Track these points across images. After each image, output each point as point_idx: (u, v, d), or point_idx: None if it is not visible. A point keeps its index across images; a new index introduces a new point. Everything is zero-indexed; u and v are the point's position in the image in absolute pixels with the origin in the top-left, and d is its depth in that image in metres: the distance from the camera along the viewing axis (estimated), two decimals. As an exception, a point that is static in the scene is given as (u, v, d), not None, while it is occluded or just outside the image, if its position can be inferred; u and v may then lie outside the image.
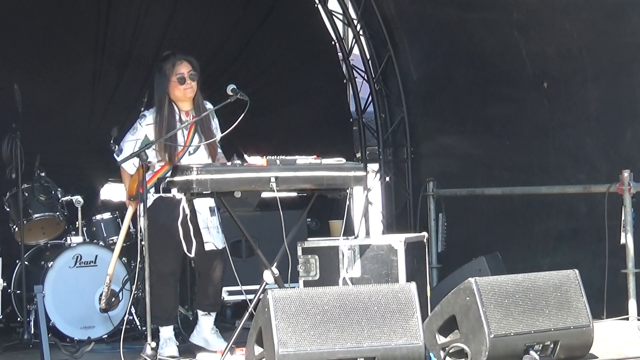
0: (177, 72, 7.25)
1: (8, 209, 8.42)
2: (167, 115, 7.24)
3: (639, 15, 8.15)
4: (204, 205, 7.27)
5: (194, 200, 7.05)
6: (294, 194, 7.40)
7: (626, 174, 8.05)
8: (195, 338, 7.49)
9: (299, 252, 7.14)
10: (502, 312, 6.35)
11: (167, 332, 7.33)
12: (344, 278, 7.02)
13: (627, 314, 7.98)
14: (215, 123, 7.43)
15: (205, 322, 7.48)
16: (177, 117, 7.28)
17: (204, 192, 6.75)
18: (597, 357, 6.71)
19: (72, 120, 9.95)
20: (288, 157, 6.95)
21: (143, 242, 6.91)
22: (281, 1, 10.71)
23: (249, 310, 6.95)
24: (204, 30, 10.39)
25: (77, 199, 8.60)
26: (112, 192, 9.83)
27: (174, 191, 6.85)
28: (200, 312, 7.52)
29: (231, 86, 7.19)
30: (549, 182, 9.06)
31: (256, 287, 7.11)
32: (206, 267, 7.37)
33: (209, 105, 7.40)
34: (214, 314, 7.53)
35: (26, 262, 8.31)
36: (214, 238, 7.29)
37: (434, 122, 10.56)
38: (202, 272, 7.43)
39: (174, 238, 7.06)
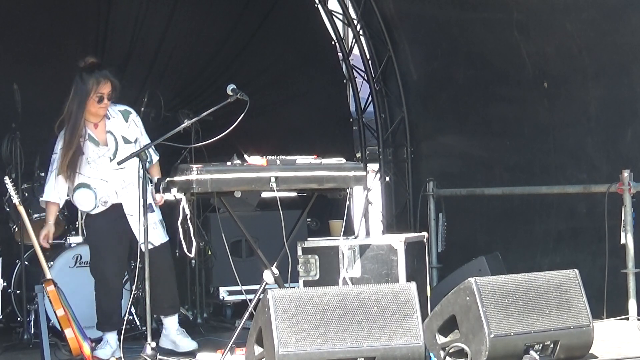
0: (99, 90, 7.26)
1: (8, 209, 8.41)
2: (79, 132, 7.24)
3: (639, 15, 8.15)
4: (133, 206, 7.20)
5: (122, 204, 7.20)
6: (294, 194, 7.40)
7: (626, 173, 8.05)
8: (164, 342, 7.47)
9: (299, 252, 7.14)
10: (502, 312, 6.35)
11: (111, 337, 7.36)
12: (344, 278, 7.02)
13: (627, 314, 7.98)
14: (133, 123, 7.43)
15: (169, 323, 7.48)
16: (83, 131, 7.27)
17: (204, 192, 6.75)
18: (597, 357, 6.71)
19: (72, 120, 9.94)
20: (288, 157, 6.95)
21: (143, 242, 6.91)
22: (281, 1, 10.71)
23: (249, 310, 6.95)
24: (204, 30, 10.39)
25: (77, 199, 8.58)
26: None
27: (174, 191, 6.84)
28: (162, 316, 7.52)
29: (231, 86, 7.19)
30: (549, 182, 9.06)
31: (256, 287, 7.11)
32: (151, 268, 7.28)
33: (119, 109, 7.43)
34: (176, 315, 7.52)
35: (26, 262, 8.31)
36: (150, 236, 7.12)
37: (434, 122, 10.56)
38: (152, 275, 7.29)
39: (113, 241, 7.15)
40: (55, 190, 7.33)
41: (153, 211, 7.34)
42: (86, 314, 8.03)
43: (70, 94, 7.31)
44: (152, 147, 7.31)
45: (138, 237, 7.17)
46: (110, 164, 7.25)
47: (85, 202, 7.31)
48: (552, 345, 6.46)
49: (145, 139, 7.44)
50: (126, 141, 7.35)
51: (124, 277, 7.65)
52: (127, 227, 7.28)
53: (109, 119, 7.36)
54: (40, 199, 7.48)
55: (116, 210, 7.29)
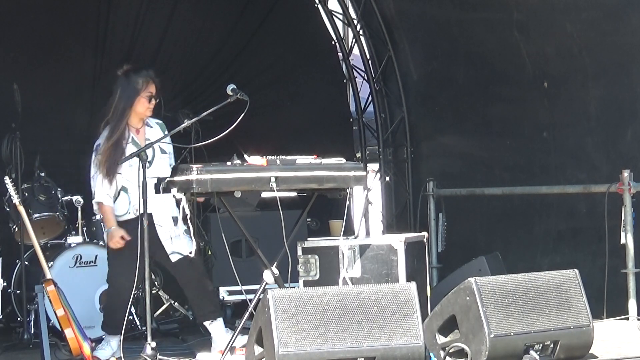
0: (148, 89, 7.28)
1: (8, 209, 8.41)
2: (122, 129, 7.22)
3: (639, 15, 8.15)
4: (165, 216, 7.24)
5: (153, 214, 7.10)
6: (294, 194, 7.40)
7: (626, 173, 8.04)
8: (218, 349, 7.31)
9: (299, 252, 7.14)
10: (502, 312, 6.35)
11: (113, 341, 7.35)
12: (344, 278, 7.02)
13: (627, 314, 7.98)
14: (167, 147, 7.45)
15: (216, 330, 7.37)
16: (127, 134, 7.26)
17: (204, 192, 6.75)
18: (597, 357, 6.71)
19: (72, 120, 9.96)
20: (288, 157, 6.94)
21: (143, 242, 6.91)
22: (281, 1, 10.71)
23: (249, 310, 6.94)
24: (204, 30, 10.40)
25: (77, 199, 8.60)
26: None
27: (174, 191, 6.84)
28: (206, 323, 7.43)
29: (231, 86, 7.19)
30: (549, 182, 9.06)
31: (256, 287, 7.10)
32: (184, 278, 7.34)
33: (157, 121, 7.45)
34: (220, 319, 7.43)
35: (26, 262, 8.31)
36: (177, 247, 7.24)
37: (434, 122, 10.56)
38: (184, 284, 7.38)
39: (131, 257, 7.01)
40: (102, 190, 7.23)
41: (176, 224, 7.29)
42: (86, 314, 8.04)
43: (114, 95, 7.29)
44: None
45: (166, 248, 7.20)
46: (147, 171, 7.19)
47: (120, 207, 7.26)
48: (552, 345, 6.46)
49: (172, 156, 7.46)
50: (162, 151, 7.35)
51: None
52: (153, 236, 7.15)
53: (149, 127, 7.37)
54: (93, 201, 7.32)
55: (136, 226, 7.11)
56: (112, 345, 7.34)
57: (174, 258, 7.25)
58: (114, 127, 7.22)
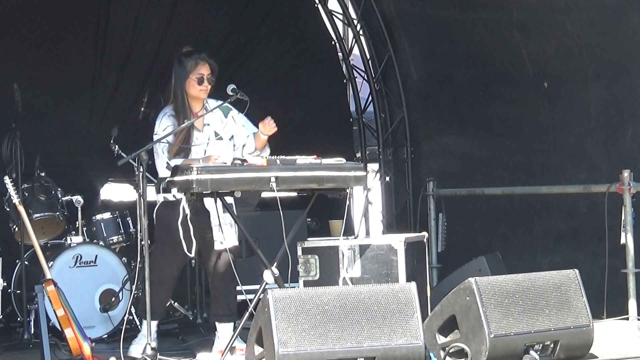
0: (198, 71, 7.26)
1: (8, 209, 8.41)
2: (184, 107, 7.23)
3: (639, 15, 8.15)
4: (213, 201, 7.15)
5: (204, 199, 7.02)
6: (294, 194, 7.40)
7: (626, 173, 8.05)
8: (219, 348, 7.27)
9: (299, 252, 7.14)
10: (502, 312, 6.34)
11: (152, 326, 7.14)
12: (344, 278, 7.02)
13: (627, 314, 7.98)
14: (231, 120, 7.36)
15: (223, 331, 7.33)
16: (189, 115, 7.25)
17: (204, 192, 6.75)
18: (597, 357, 6.71)
19: (72, 120, 9.96)
20: (288, 157, 6.94)
21: (143, 242, 6.90)
22: (281, 1, 10.71)
23: (249, 310, 6.94)
24: (204, 30, 10.39)
25: (77, 199, 8.60)
26: (112, 192, 9.84)
27: (174, 191, 6.84)
28: (217, 323, 7.38)
29: (231, 86, 7.19)
30: (549, 182, 9.06)
31: (256, 287, 7.10)
32: (213, 270, 7.28)
33: (222, 104, 7.33)
34: (230, 324, 7.34)
35: (26, 262, 8.30)
36: (224, 236, 7.20)
37: (434, 122, 10.57)
38: (211, 276, 7.31)
39: (176, 241, 7.00)
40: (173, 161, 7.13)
41: (224, 212, 7.21)
42: (86, 314, 8.05)
43: (170, 80, 7.29)
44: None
45: (215, 235, 7.15)
46: (203, 155, 7.16)
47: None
48: (552, 345, 6.46)
49: (249, 128, 7.37)
50: (217, 137, 7.30)
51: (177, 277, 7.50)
52: (204, 220, 7.12)
53: (208, 111, 7.29)
54: (164, 167, 7.17)
55: (193, 205, 7.02)
56: (144, 332, 7.14)
57: (217, 246, 7.20)
58: (177, 112, 7.20)
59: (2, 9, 9.40)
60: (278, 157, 6.92)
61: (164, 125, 7.24)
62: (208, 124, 7.30)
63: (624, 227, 8.03)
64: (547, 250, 9.20)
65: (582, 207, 8.88)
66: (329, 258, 7.09)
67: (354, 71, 11.30)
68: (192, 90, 7.27)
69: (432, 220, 9.86)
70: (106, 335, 8.17)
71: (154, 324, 7.24)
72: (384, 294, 6.21)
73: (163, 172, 7.22)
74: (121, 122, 8.87)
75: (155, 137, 7.23)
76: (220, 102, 7.30)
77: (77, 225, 8.61)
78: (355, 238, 7.29)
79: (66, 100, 9.92)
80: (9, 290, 8.42)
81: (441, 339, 6.52)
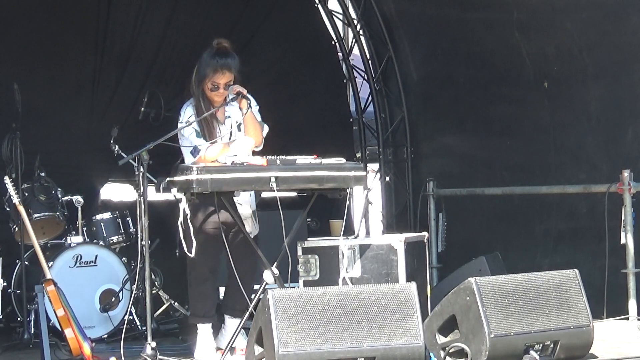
0: (215, 79, 7.18)
1: (8, 209, 8.41)
2: (200, 103, 7.20)
3: (639, 15, 8.15)
4: (242, 194, 7.16)
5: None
6: (294, 194, 7.40)
7: (626, 173, 8.05)
8: (220, 342, 7.27)
9: (299, 252, 7.14)
10: (502, 312, 6.35)
11: (204, 329, 7.16)
12: (344, 278, 7.02)
13: (627, 314, 7.98)
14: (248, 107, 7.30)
15: (231, 325, 7.27)
16: (210, 108, 7.21)
17: (204, 192, 6.75)
18: (597, 357, 6.71)
19: (72, 120, 9.95)
20: (288, 157, 6.94)
21: (143, 242, 6.91)
22: (281, 1, 10.71)
23: (249, 310, 6.95)
24: (204, 30, 10.39)
25: (77, 199, 8.60)
26: (112, 192, 9.83)
27: (174, 191, 6.84)
28: (226, 316, 7.33)
29: (231, 86, 7.19)
30: (549, 182, 9.06)
31: (256, 287, 7.11)
32: (250, 262, 7.19)
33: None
34: (238, 319, 7.23)
35: (26, 262, 8.30)
36: (251, 227, 7.20)
37: (434, 122, 10.57)
38: (240, 266, 7.15)
39: (210, 234, 6.99)
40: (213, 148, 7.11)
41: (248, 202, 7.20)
42: (86, 314, 8.05)
43: (193, 71, 7.26)
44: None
45: (243, 226, 7.09)
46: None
47: None
48: (552, 345, 6.46)
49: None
50: (240, 129, 7.28)
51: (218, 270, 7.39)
52: (233, 214, 7.07)
53: (231, 105, 7.26)
54: (195, 159, 7.09)
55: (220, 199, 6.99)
56: (201, 334, 7.13)
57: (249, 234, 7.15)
58: (197, 106, 7.18)
59: (2, 8, 9.40)
60: (278, 157, 6.92)
61: (188, 114, 7.22)
62: (229, 116, 7.28)
63: (624, 227, 8.03)
64: (547, 250, 9.20)
65: (582, 207, 8.88)
66: (329, 258, 7.09)
67: (354, 71, 11.29)
68: (207, 92, 7.23)
69: (432, 220, 9.86)
70: (106, 335, 8.18)
71: (208, 326, 7.18)
72: (384, 294, 6.21)
73: (188, 158, 7.18)
74: (121, 122, 8.88)
75: (179, 125, 7.19)
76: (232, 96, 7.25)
77: (77, 225, 8.61)
78: (355, 238, 7.29)
79: (66, 100, 9.91)
80: (9, 290, 8.42)
81: (441, 339, 6.52)
